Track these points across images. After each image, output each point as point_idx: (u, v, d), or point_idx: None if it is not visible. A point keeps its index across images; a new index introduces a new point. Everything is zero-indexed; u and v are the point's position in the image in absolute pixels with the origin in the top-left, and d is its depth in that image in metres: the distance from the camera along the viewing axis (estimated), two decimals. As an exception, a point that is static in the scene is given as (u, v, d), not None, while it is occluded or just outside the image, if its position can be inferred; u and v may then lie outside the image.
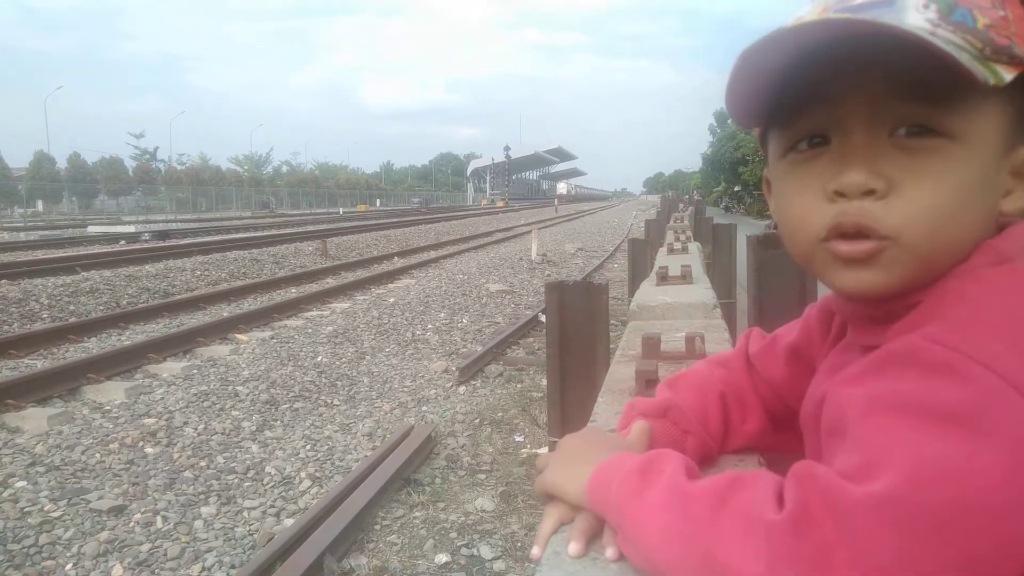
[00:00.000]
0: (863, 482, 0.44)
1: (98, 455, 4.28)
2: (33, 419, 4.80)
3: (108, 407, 5.17)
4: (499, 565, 3.16)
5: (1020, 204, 0.55)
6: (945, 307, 0.51)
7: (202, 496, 3.81)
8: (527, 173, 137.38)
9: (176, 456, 4.30)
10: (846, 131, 0.54)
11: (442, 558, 3.21)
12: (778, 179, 0.62)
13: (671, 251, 4.47)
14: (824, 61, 0.52)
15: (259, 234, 21.27)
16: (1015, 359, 0.44)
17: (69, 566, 3.14)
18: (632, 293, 3.58)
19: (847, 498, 0.44)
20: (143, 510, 3.61)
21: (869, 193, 0.52)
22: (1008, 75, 0.49)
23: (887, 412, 0.46)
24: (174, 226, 25.87)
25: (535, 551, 0.68)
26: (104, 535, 3.37)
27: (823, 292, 0.69)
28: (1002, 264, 0.52)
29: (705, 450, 0.77)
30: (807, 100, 0.56)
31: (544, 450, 4.22)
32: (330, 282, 11.62)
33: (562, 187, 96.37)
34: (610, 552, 0.60)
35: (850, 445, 0.48)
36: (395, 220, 31.60)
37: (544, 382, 4.01)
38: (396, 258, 15.70)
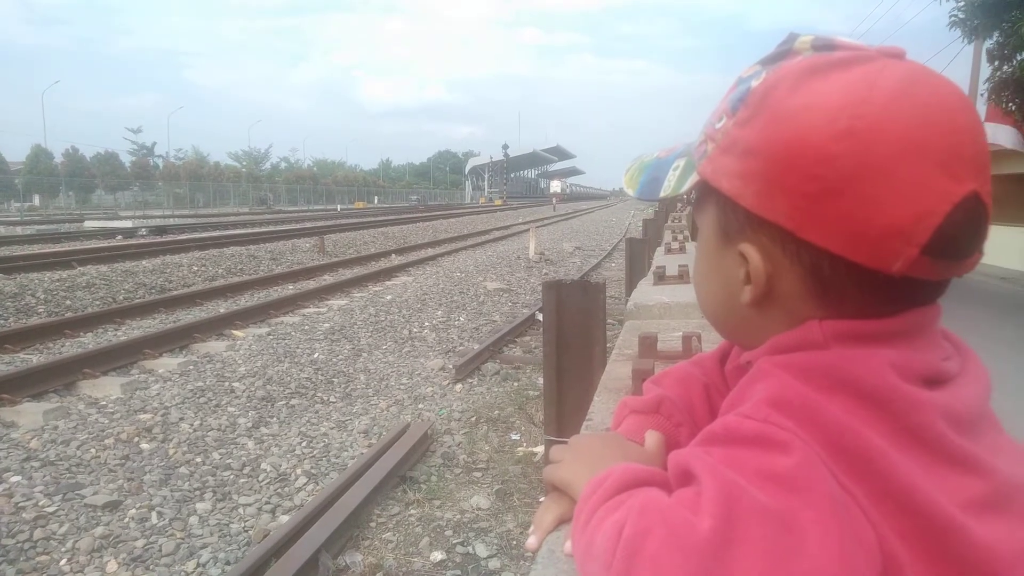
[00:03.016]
0: (698, 513, 0.47)
1: (93, 450, 4.27)
2: (28, 414, 4.79)
3: (104, 402, 5.16)
4: (494, 563, 3.16)
5: (746, 298, 0.57)
6: (751, 384, 0.55)
7: (197, 492, 3.81)
8: (525, 172, 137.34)
9: (171, 452, 4.30)
10: None
11: (437, 556, 3.21)
12: None
13: (669, 251, 4.48)
14: None
15: (257, 230, 21.23)
16: (807, 430, 0.48)
17: (63, 561, 3.14)
18: (629, 292, 3.58)
19: (691, 530, 0.47)
20: (138, 506, 3.61)
21: None
22: (687, 185, 0.60)
23: (722, 462, 0.50)
24: (171, 221, 25.79)
25: (531, 541, 0.69)
26: (99, 530, 3.36)
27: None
28: (776, 355, 0.55)
29: None
30: None
31: (540, 448, 4.23)
32: (327, 279, 11.60)
33: (556, 185, 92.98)
34: None
35: (692, 483, 0.51)
36: (393, 217, 31.58)
37: (541, 380, 4.01)
38: (394, 255, 15.68)
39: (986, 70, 12.02)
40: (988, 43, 11.10)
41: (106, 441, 4.40)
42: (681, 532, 0.47)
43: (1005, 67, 10.56)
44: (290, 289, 10.41)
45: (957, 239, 0.50)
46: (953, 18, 10.82)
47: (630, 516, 0.51)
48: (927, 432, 0.49)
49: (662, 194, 0.62)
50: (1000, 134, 11.73)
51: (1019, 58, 10.20)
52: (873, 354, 0.51)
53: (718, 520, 0.45)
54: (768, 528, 0.45)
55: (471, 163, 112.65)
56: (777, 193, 0.52)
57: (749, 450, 0.49)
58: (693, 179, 0.59)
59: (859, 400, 0.49)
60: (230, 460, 4.22)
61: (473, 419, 4.98)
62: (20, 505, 3.57)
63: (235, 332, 7.41)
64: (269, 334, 7.32)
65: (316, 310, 8.77)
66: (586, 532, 0.56)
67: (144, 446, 4.38)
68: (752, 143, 0.53)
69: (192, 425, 4.73)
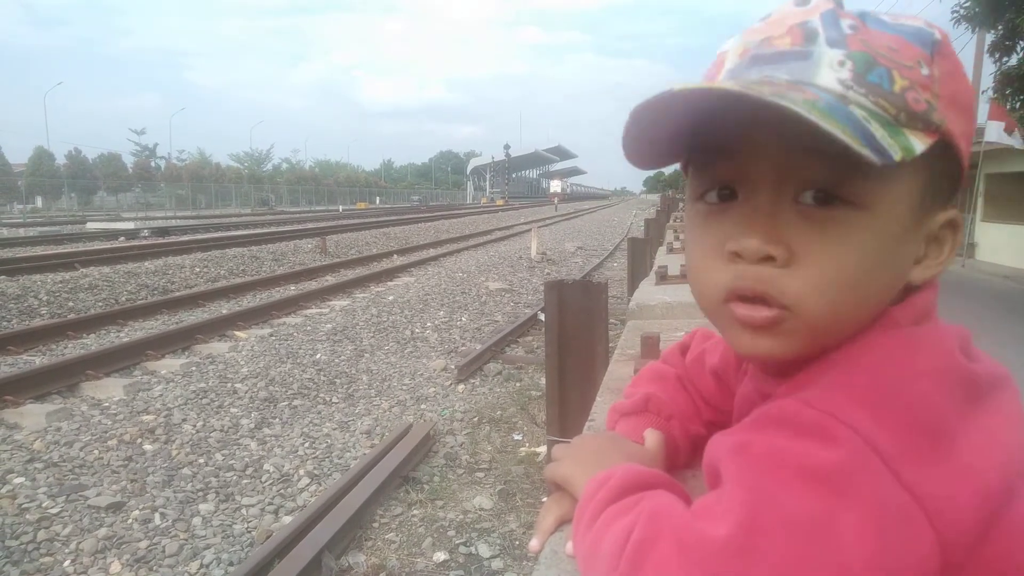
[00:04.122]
0: (714, 521, 0.45)
1: (96, 452, 4.28)
2: (31, 415, 4.79)
3: (107, 404, 5.17)
4: (497, 563, 3.16)
5: (929, 272, 0.53)
6: (824, 370, 0.50)
7: (200, 493, 3.81)
8: (527, 172, 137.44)
9: (175, 453, 4.30)
10: (752, 190, 0.51)
11: (440, 556, 3.21)
12: (689, 220, 0.58)
13: (671, 250, 4.47)
14: (729, 118, 0.49)
15: (259, 231, 21.25)
16: (878, 423, 0.45)
17: (67, 563, 3.14)
18: (631, 292, 3.58)
19: (701, 539, 0.45)
20: (141, 507, 3.61)
21: (768, 259, 0.50)
22: (920, 145, 0.46)
23: (756, 459, 0.47)
24: (173, 223, 25.84)
25: (534, 543, 0.69)
26: (102, 532, 3.37)
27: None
28: (888, 331, 0.51)
29: (692, 431, 0.78)
30: (715, 153, 0.54)
31: (543, 448, 4.22)
32: (329, 280, 11.61)
33: (556, 185, 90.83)
34: None
35: (720, 484, 0.49)
36: (395, 218, 31.60)
37: (543, 381, 4.01)
38: (395, 256, 15.68)
39: (988, 67, 12.00)
40: (990, 38, 11.10)
41: (109, 442, 4.41)
42: (689, 542, 0.46)
43: (1008, 59, 10.55)
44: (292, 290, 10.41)
45: None
46: (956, 14, 10.81)
47: (639, 522, 0.50)
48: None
49: (897, 157, 0.44)
50: (1002, 133, 11.70)
51: (1020, 50, 10.19)
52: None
53: (733, 531, 0.44)
54: (794, 538, 0.43)
55: (473, 163, 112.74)
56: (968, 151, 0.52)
57: (797, 440, 0.46)
58: (921, 138, 0.47)
59: (950, 377, 0.49)
60: (233, 461, 4.23)
61: (475, 419, 4.98)
62: (24, 507, 3.57)
63: (237, 333, 7.41)
64: (271, 335, 7.33)
65: (318, 311, 8.77)
66: (590, 532, 0.56)
67: (147, 447, 4.39)
68: (967, 100, 0.51)
69: (195, 426, 4.73)
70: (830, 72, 0.47)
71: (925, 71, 0.49)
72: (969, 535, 0.44)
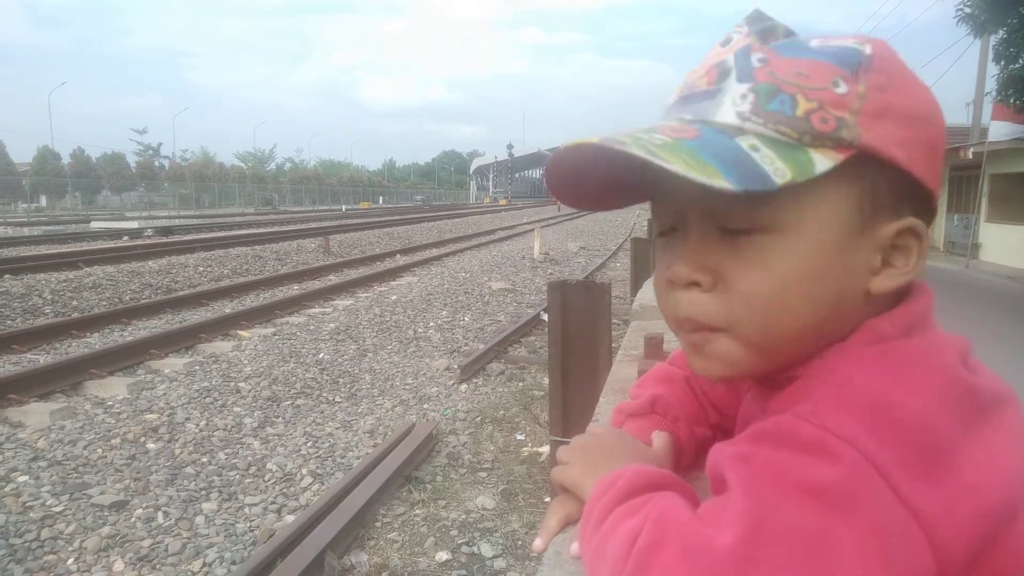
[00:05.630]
0: (719, 528, 0.45)
1: (100, 450, 4.29)
2: (35, 414, 4.81)
3: (110, 402, 5.18)
4: (499, 563, 3.16)
5: (895, 281, 0.53)
6: (816, 385, 0.50)
7: (203, 492, 3.82)
8: (530, 171, 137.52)
9: (178, 452, 4.31)
10: (684, 223, 0.55)
11: (442, 556, 3.21)
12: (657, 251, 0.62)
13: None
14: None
15: (262, 231, 21.30)
16: (874, 438, 0.45)
17: (71, 560, 3.15)
18: (635, 292, 3.58)
19: (707, 546, 0.45)
20: (144, 505, 3.62)
21: (695, 285, 0.53)
22: (826, 163, 0.47)
23: (758, 471, 0.47)
24: (177, 222, 25.88)
25: (537, 543, 0.69)
26: (106, 530, 3.38)
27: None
28: (876, 344, 0.51)
29: (698, 433, 0.78)
30: (655, 193, 0.58)
31: (545, 448, 4.22)
32: (332, 279, 11.62)
33: None
34: None
35: (726, 491, 0.49)
36: (398, 218, 31.65)
37: (546, 381, 4.01)
38: (398, 255, 15.70)
39: (991, 69, 11.99)
40: (994, 40, 11.08)
41: (112, 441, 4.42)
42: (695, 548, 0.45)
43: (1012, 66, 10.54)
44: (295, 289, 10.43)
45: None
46: (960, 12, 10.80)
47: (646, 525, 0.50)
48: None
49: (782, 182, 0.46)
50: (1005, 133, 11.67)
51: None
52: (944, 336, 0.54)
53: (738, 541, 0.44)
54: (796, 551, 0.43)
55: (475, 163, 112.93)
56: (937, 157, 0.53)
57: (796, 456, 0.46)
58: (831, 156, 0.48)
59: (949, 390, 0.49)
60: (236, 460, 4.24)
61: (478, 419, 4.98)
62: (28, 505, 3.58)
63: (241, 332, 7.43)
64: (275, 334, 7.34)
65: (321, 310, 8.78)
66: (598, 533, 0.55)
67: (150, 446, 4.40)
68: (912, 108, 0.52)
69: (198, 425, 4.74)
70: (731, 107, 0.50)
71: (842, 89, 0.49)
72: (967, 554, 0.45)
